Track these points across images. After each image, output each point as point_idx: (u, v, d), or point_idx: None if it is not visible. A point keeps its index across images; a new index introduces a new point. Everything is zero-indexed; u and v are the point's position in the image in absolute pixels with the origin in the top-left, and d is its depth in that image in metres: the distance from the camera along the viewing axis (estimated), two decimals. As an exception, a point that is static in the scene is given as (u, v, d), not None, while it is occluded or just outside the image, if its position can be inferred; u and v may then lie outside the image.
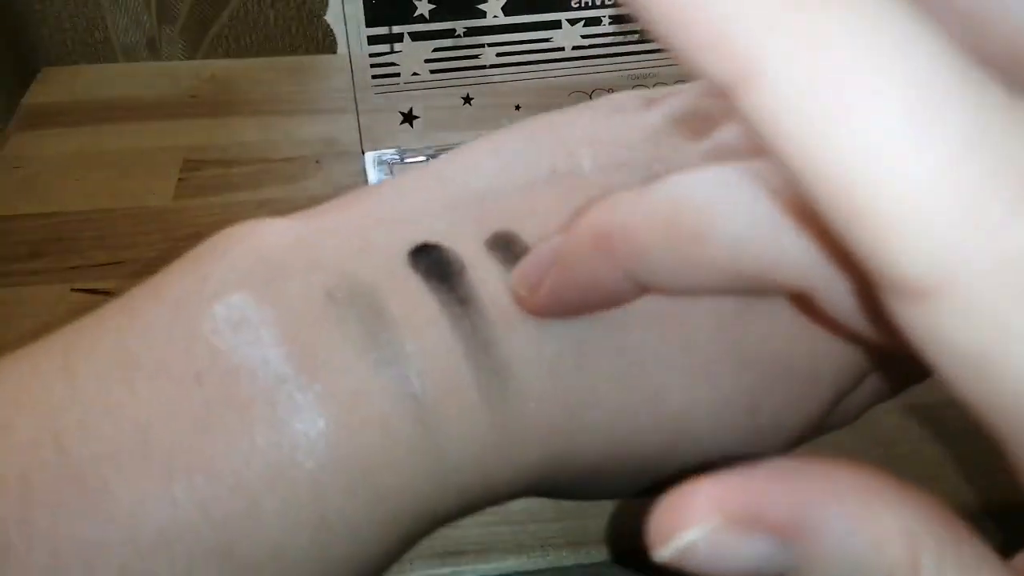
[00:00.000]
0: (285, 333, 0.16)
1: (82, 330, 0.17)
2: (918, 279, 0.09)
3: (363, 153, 0.39)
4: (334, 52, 0.54)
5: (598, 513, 0.27)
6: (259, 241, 0.17)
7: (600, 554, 0.26)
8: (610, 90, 0.39)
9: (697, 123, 0.20)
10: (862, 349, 0.19)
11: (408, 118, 0.38)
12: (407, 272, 0.17)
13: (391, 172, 0.39)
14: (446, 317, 0.17)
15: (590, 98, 0.40)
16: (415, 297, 0.17)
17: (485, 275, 0.17)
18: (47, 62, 0.51)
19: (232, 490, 0.15)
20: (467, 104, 0.38)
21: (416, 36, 0.36)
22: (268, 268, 0.17)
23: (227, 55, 0.53)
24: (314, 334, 0.16)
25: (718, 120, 0.20)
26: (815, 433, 0.19)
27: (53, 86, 0.47)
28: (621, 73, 0.38)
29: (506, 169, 0.19)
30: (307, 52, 0.54)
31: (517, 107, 0.38)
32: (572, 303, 0.16)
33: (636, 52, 0.37)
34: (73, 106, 0.46)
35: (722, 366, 0.18)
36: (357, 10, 0.35)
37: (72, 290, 0.35)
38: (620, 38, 0.37)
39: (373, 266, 0.17)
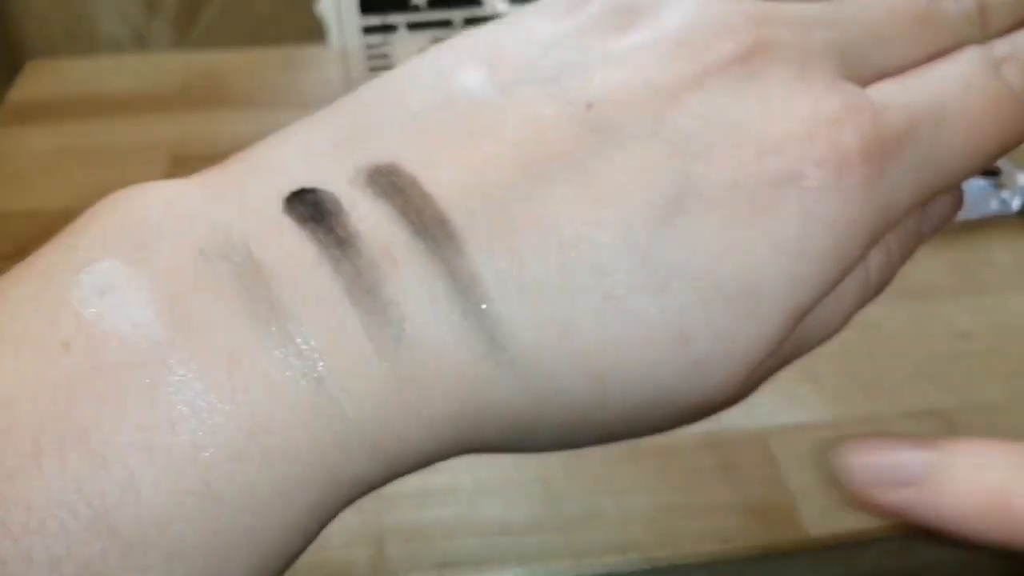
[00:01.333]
0: (155, 295, 0.15)
1: None
2: None
3: (357, 148, 0.38)
4: (326, 42, 0.53)
5: (600, 524, 0.26)
6: (133, 205, 0.16)
7: (602, 565, 0.25)
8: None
9: (620, 18, 0.18)
10: (822, 263, 0.17)
11: (403, 112, 0.37)
12: (282, 219, 0.16)
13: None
14: (325, 261, 0.16)
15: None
16: (291, 244, 0.16)
17: (365, 211, 0.16)
18: (32, 56, 0.50)
19: (105, 462, 0.14)
20: (464, 97, 0.37)
21: (412, 26, 0.35)
22: (139, 232, 0.16)
23: (216, 46, 0.52)
24: (187, 294, 0.15)
25: (643, 13, 0.18)
26: (779, 361, 0.18)
27: (38, 80, 0.46)
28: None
29: (396, 99, 0.18)
30: (298, 43, 0.53)
31: (516, 100, 0.37)
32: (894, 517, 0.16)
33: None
34: (59, 101, 0.45)
35: (637, 289, 0.16)
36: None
37: (57, 290, 0.34)
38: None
39: (247, 217, 0.16)
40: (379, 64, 0.36)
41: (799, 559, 0.27)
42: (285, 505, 0.16)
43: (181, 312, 0.15)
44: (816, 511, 0.27)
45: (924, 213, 0.20)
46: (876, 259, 0.19)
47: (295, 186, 0.16)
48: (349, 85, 0.36)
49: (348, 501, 0.17)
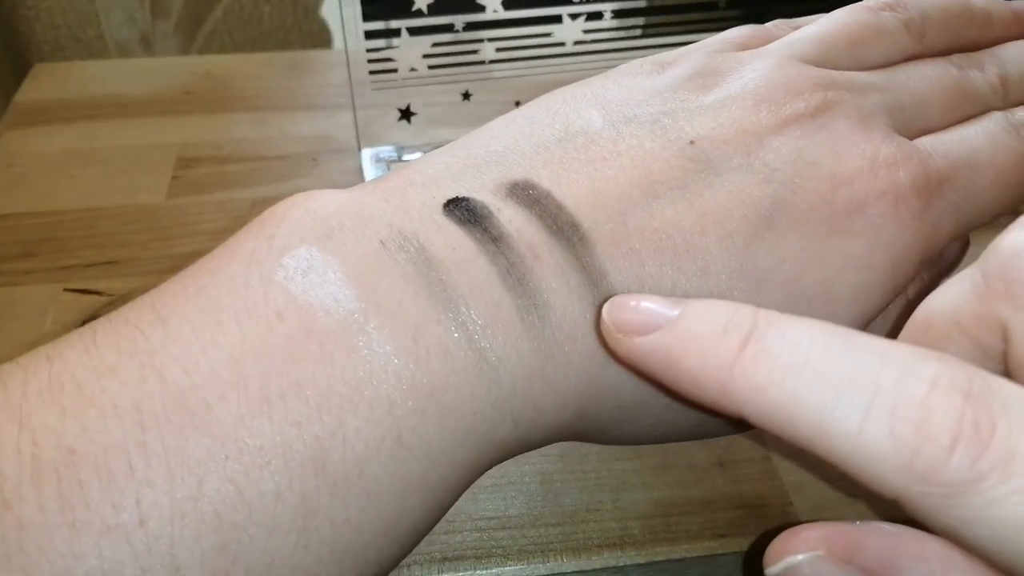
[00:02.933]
0: (349, 276, 0.17)
1: (166, 290, 0.18)
2: None
3: (360, 150, 0.39)
4: (330, 47, 0.54)
5: (598, 519, 0.26)
6: (314, 205, 0.19)
7: (600, 560, 0.26)
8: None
9: (705, 79, 0.22)
10: (883, 277, 0.20)
11: (406, 114, 0.38)
12: (444, 221, 0.19)
13: (388, 169, 0.38)
14: (483, 255, 0.18)
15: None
16: (454, 240, 0.18)
17: (511, 216, 0.19)
18: (40, 58, 0.51)
19: (320, 409, 0.16)
20: (466, 100, 0.37)
21: (414, 31, 0.35)
22: (325, 226, 0.18)
23: (222, 50, 0.53)
24: (374, 276, 0.18)
25: (725, 75, 0.22)
26: None
27: (46, 83, 0.47)
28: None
29: (521, 133, 0.21)
30: (303, 47, 0.53)
31: (517, 103, 0.38)
32: (653, 373, 0.17)
33: (638, 47, 0.37)
34: (66, 103, 0.45)
35: (737, 289, 0.19)
36: (354, 5, 0.34)
37: (65, 290, 0.34)
38: (622, 33, 0.37)
39: (414, 218, 0.19)
40: (382, 67, 0.36)
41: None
42: (451, 458, 0.18)
43: (371, 290, 0.17)
44: (809, 505, 0.27)
45: (941, 254, 0.23)
46: (914, 287, 0.22)
47: (449, 195, 0.19)
48: (352, 88, 0.37)
49: (491, 463, 0.19)
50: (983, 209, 0.21)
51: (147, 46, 0.52)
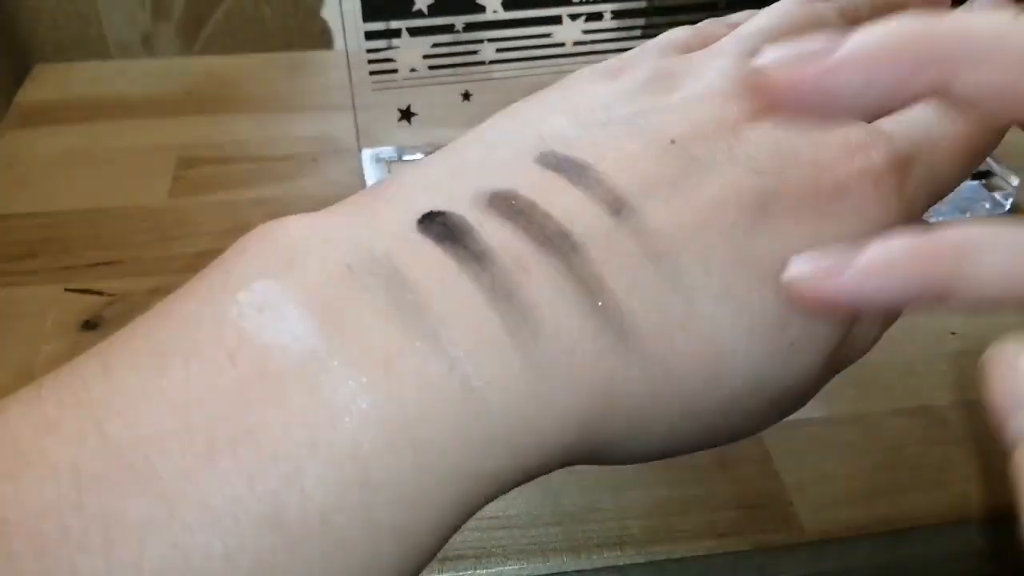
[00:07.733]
0: (310, 308, 0.16)
1: (117, 337, 0.17)
2: None
3: (360, 150, 0.39)
4: (331, 48, 0.54)
5: (598, 518, 0.27)
6: (277, 234, 0.18)
7: (600, 559, 0.26)
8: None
9: (664, 81, 0.22)
10: None
11: (406, 115, 0.38)
12: (419, 238, 0.18)
13: (389, 170, 0.38)
14: (466, 274, 0.17)
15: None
16: (431, 259, 0.17)
17: (493, 230, 0.18)
18: (41, 59, 0.51)
19: (274, 458, 0.15)
20: (466, 100, 0.37)
21: (414, 31, 0.35)
22: (287, 254, 0.18)
23: (223, 51, 0.53)
24: (339, 305, 0.17)
25: (683, 76, 0.22)
26: (838, 360, 0.21)
27: (47, 83, 0.47)
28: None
29: (494, 143, 0.20)
30: (304, 48, 0.53)
31: (516, 104, 0.38)
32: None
33: (638, 48, 0.37)
34: (67, 104, 0.45)
35: (742, 284, 0.19)
36: (354, 5, 0.34)
37: (66, 290, 0.34)
38: (622, 34, 0.37)
39: (386, 237, 0.18)
40: (382, 68, 0.36)
41: (793, 553, 0.27)
42: (432, 498, 0.17)
43: (335, 321, 0.16)
44: (810, 506, 0.27)
45: None
46: None
47: (424, 210, 0.18)
48: (353, 89, 0.37)
49: (486, 499, 0.18)
50: (947, 179, 0.22)
51: (148, 47, 0.52)
